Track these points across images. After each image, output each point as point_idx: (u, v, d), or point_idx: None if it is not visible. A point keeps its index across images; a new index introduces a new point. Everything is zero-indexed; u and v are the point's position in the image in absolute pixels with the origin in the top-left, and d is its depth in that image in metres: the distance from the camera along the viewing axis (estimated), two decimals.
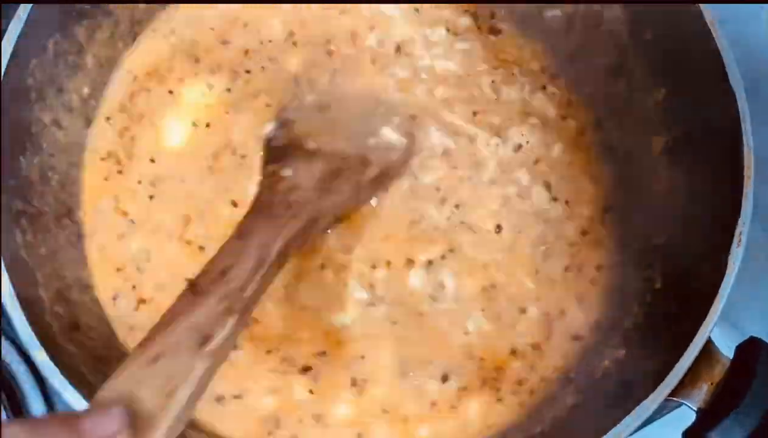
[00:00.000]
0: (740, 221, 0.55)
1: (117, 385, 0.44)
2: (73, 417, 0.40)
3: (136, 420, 0.42)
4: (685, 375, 0.53)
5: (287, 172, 0.62)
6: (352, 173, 0.64)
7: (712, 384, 0.54)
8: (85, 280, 0.64)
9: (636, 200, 0.68)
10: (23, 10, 0.57)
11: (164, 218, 0.66)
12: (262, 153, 0.66)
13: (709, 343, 0.54)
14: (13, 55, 0.57)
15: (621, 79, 0.70)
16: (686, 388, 0.54)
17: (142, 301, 0.65)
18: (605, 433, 0.52)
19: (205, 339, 0.47)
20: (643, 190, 0.68)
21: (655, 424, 0.65)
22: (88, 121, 0.68)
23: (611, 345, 0.63)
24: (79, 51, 0.66)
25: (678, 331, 0.55)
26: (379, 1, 0.73)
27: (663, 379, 0.53)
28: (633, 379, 0.58)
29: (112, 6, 0.67)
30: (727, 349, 0.56)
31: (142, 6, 0.70)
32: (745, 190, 0.56)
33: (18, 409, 0.64)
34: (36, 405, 0.65)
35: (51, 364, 0.52)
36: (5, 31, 0.57)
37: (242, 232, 0.56)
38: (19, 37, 0.57)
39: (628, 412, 0.52)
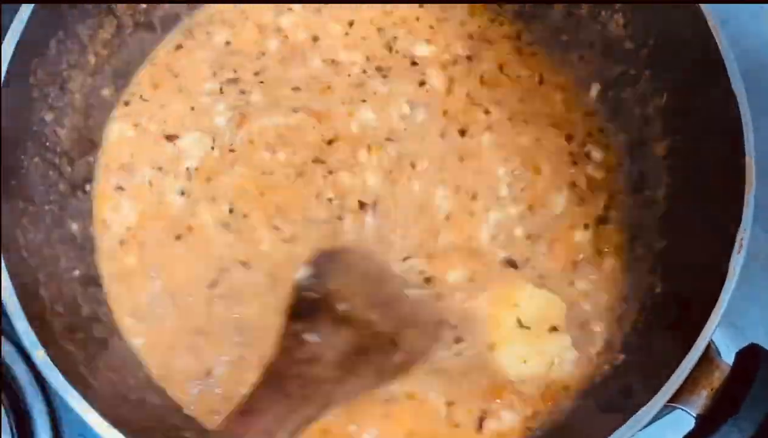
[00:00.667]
0: (741, 227, 0.55)
1: None
2: None
3: None
4: (685, 381, 0.53)
5: (313, 338, 0.57)
6: (378, 354, 0.59)
7: (711, 390, 0.54)
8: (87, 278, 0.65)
9: (637, 205, 0.68)
10: (25, 10, 0.57)
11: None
12: (290, 303, 0.62)
13: (709, 348, 0.54)
14: (15, 54, 0.57)
15: (623, 83, 0.70)
16: (686, 393, 0.54)
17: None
18: None
19: None
20: (644, 195, 0.67)
21: (653, 427, 0.65)
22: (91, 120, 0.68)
23: (611, 350, 0.63)
24: (82, 50, 0.65)
25: (678, 337, 0.55)
26: (393, 1, 0.73)
27: (662, 385, 0.53)
28: (632, 384, 0.58)
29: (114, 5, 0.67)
30: (726, 348, 0.56)
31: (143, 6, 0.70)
32: (746, 197, 0.55)
33: (18, 408, 0.64)
34: (36, 404, 0.65)
35: (51, 363, 0.52)
36: (7, 30, 0.57)
37: (247, 409, 0.51)
38: (20, 36, 0.57)
39: (627, 417, 0.52)
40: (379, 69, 0.73)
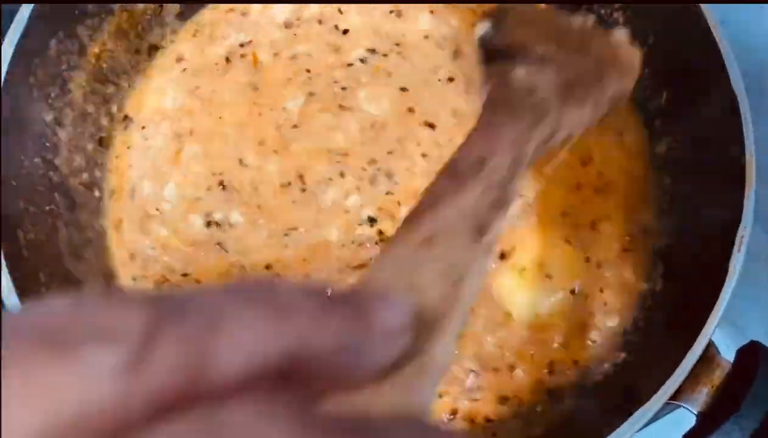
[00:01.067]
0: (741, 225, 0.55)
1: (387, 266, 0.34)
2: (354, 297, 0.27)
3: (422, 313, 0.31)
4: (686, 379, 0.53)
5: (519, 71, 0.49)
6: (589, 86, 0.51)
7: (712, 387, 0.54)
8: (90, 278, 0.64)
9: (637, 203, 0.68)
10: (25, 10, 0.57)
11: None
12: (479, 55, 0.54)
13: (709, 346, 0.54)
14: (15, 54, 0.57)
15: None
16: (686, 391, 0.54)
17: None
18: (606, 437, 0.52)
19: (481, 228, 0.38)
20: (643, 193, 0.68)
21: (655, 425, 0.65)
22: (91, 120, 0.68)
23: (611, 350, 0.63)
24: (82, 50, 0.65)
25: (679, 335, 0.56)
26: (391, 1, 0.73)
27: (664, 383, 0.53)
28: (633, 382, 0.58)
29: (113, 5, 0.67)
30: (726, 348, 0.56)
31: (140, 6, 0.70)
32: (746, 194, 0.56)
33: None
34: None
35: None
36: (7, 31, 0.57)
37: (488, 123, 0.45)
38: (21, 36, 0.57)
39: (628, 416, 0.52)
40: None
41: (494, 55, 0.52)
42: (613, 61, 0.54)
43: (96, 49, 0.67)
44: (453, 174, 0.41)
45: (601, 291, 0.65)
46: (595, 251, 0.66)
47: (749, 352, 0.55)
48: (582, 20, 0.56)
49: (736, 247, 0.55)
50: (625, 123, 0.69)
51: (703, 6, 0.60)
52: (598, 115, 0.52)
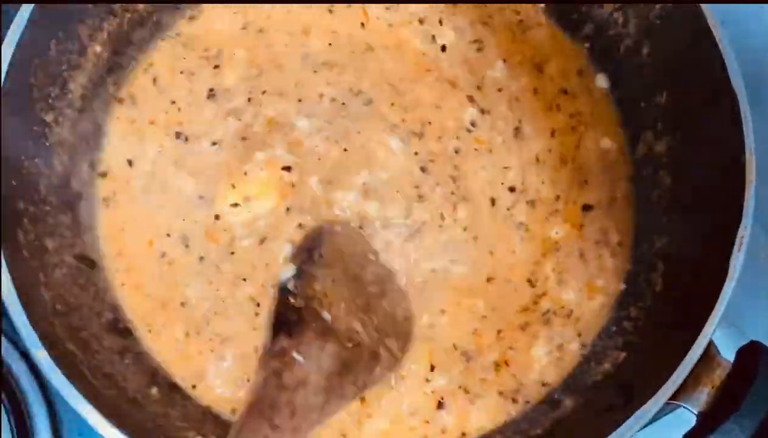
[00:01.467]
0: (742, 225, 0.55)
1: None
2: None
3: None
4: (686, 378, 0.53)
5: (299, 358, 0.56)
6: (360, 370, 0.59)
7: (713, 388, 0.54)
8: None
9: (638, 202, 0.68)
10: (25, 11, 0.57)
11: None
12: (273, 309, 0.63)
13: (710, 346, 0.54)
14: (15, 54, 0.57)
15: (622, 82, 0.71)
16: (687, 391, 0.54)
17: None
18: (606, 437, 0.52)
19: None
20: (646, 193, 0.68)
21: (655, 425, 0.65)
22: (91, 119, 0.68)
23: (612, 348, 0.63)
24: (82, 50, 0.65)
25: (679, 335, 0.55)
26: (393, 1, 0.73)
27: (664, 383, 0.53)
28: (634, 382, 0.58)
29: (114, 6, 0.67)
30: (726, 348, 0.55)
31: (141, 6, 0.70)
32: (746, 195, 0.56)
33: (18, 407, 0.64)
34: (36, 404, 0.65)
35: (52, 362, 0.52)
36: (7, 31, 0.57)
37: None
38: (20, 36, 0.57)
39: (628, 415, 0.53)
40: None
41: (287, 318, 0.60)
42: (393, 330, 0.62)
43: (97, 49, 0.67)
44: None
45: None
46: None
47: (749, 352, 0.55)
48: (378, 270, 0.64)
49: (736, 247, 0.55)
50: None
51: (703, 6, 0.60)
52: (357, 395, 0.60)
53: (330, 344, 0.58)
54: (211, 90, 0.71)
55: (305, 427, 0.54)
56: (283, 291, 0.62)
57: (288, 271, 0.64)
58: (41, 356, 0.52)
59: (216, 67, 0.71)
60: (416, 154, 0.69)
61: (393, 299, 0.64)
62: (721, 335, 0.56)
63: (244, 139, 0.69)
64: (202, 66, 0.71)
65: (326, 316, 0.59)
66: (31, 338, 0.52)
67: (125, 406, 0.57)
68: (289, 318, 0.60)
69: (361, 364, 0.59)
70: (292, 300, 0.61)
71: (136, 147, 0.69)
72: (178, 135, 0.69)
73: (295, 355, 0.56)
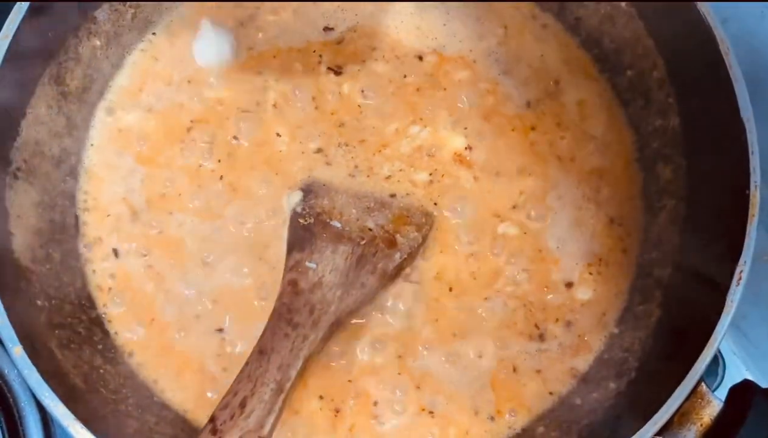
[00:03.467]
0: (741, 260, 0.53)
1: None
2: None
3: None
4: (675, 414, 0.52)
5: (311, 265, 0.60)
6: (379, 260, 0.61)
7: (701, 426, 0.53)
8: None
9: (641, 231, 0.67)
10: (20, 9, 0.57)
11: None
12: (288, 236, 0.64)
13: (700, 383, 0.52)
14: (10, 48, 0.56)
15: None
16: (675, 428, 0.53)
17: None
18: None
19: None
20: (647, 223, 0.66)
21: None
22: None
23: (604, 378, 0.62)
24: (78, 44, 0.65)
25: (671, 369, 0.54)
26: None
27: (650, 417, 0.51)
28: (622, 414, 0.57)
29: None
30: (726, 348, 0.53)
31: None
32: (748, 229, 0.54)
33: (9, 410, 0.64)
34: (28, 407, 0.64)
35: (28, 361, 0.51)
36: (1, 27, 0.57)
37: (263, 347, 0.56)
38: (14, 34, 0.57)
39: None
40: None
41: (299, 237, 0.62)
42: (408, 219, 0.64)
43: (97, 42, 0.66)
44: (213, 429, 0.52)
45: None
46: None
47: (742, 391, 0.53)
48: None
49: (734, 281, 0.53)
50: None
51: (704, 6, 0.58)
52: (384, 285, 0.62)
53: (342, 246, 0.62)
54: None
55: (325, 319, 0.58)
56: (293, 216, 0.64)
57: (295, 196, 0.65)
58: (17, 353, 0.51)
59: None
60: None
61: (406, 199, 0.66)
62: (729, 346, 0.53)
63: None
64: None
65: (336, 224, 0.63)
66: (10, 334, 0.52)
67: (115, 418, 0.57)
68: (301, 236, 0.62)
69: (378, 255, 0.62)
70: (302, 221, 0.63)
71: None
72: None
73: (308, 263, 0.61)
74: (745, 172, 0.55)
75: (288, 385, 0.55)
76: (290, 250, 0.62)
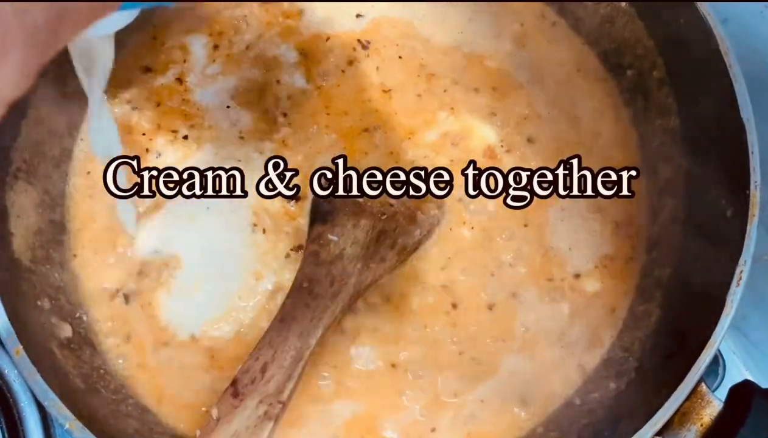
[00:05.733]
0: (741, 260, 0.53)
1: None
2: None
3: None
4: (675, 414, 0.52)
5: (333, 237, 0.62)
6: (399, 235, 0.63)
7: (701, 426, 0.53)
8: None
9: (641, 233, 0.66)
10: None
11: None
12: (311, 209, 0.65)
13: (700, 383, 0.52)
14: None
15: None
16: (675, 428, 0.52)
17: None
18: None
19: None
20: (648, 222, 0.66)
21: None
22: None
23: (604, 377, 0.62)
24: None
25: (672, 369, 0.54)
26: None
27: (650, 417, 0.51)
28: (622, 414, 0.57)
29: None
30: (727, 348, 0.53)
31: None
32: (748, 229, 0.54)
33: (9, 409, 0.64)
34: (28, 407, 0.64)
35: (28, 361, 0.51)
36: None
37: (284, 315, 0.58)
38: None
39: None
40: None
41: (322, 210, 0.64)
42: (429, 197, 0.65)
43: None
44: (234, 393, 0.54)
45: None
46: None
47: (742, 391, 0.53)
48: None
49: (734, 282, 0.53)
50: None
51: (704, 6, 0.58)
52: (403, 259, 0.63)
53: (364, 219, 0.63)
54: None
55: (345, 290, 0.59)
56: (314, 204, 0.66)
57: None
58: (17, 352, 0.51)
59: None
60: None
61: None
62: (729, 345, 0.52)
63: None
64: None
65: (358, 199, 0.65)
66: (9, 334, 0.52)
67: (112, 420, 0.56)
68: (324, 209, 0.64)
69: (398, 230, 0.63)
70: (323, 202, 0.65)
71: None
72: None
73: (329, 236, 0.62)
74: (745, 172, 0.55)
75: (307, 352, 0.56)
76: (312, 222, 0.64)
